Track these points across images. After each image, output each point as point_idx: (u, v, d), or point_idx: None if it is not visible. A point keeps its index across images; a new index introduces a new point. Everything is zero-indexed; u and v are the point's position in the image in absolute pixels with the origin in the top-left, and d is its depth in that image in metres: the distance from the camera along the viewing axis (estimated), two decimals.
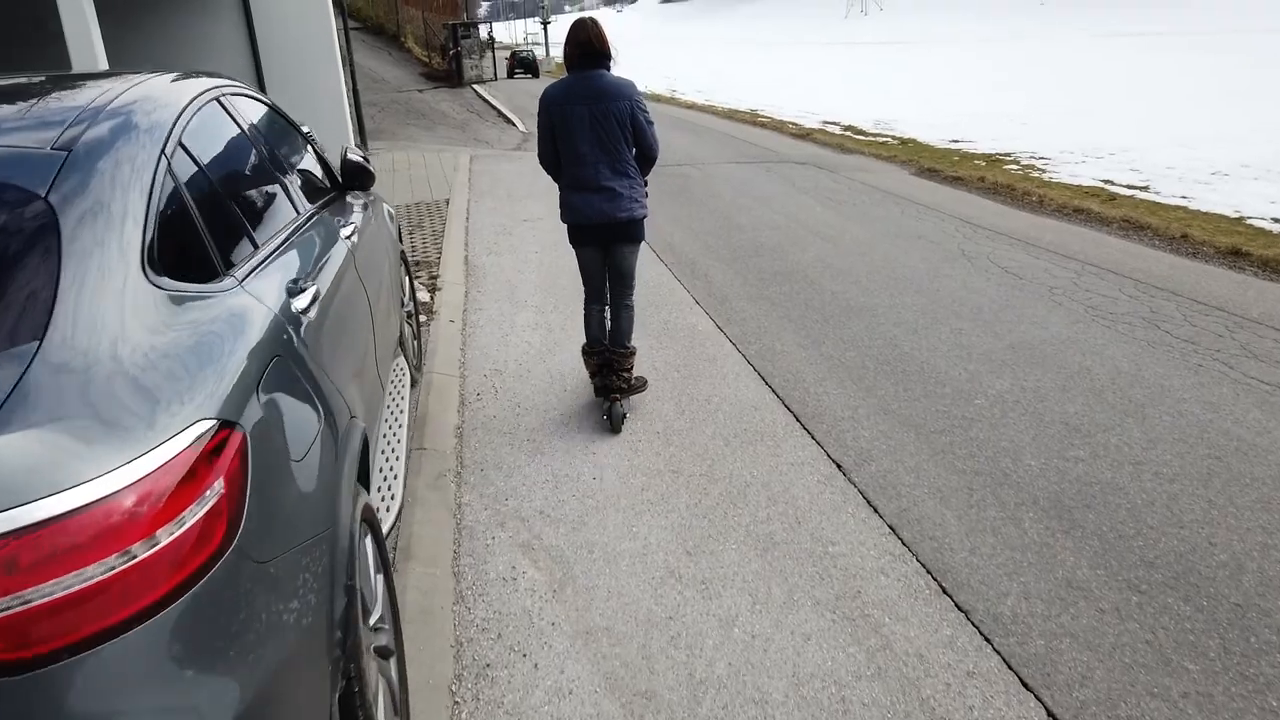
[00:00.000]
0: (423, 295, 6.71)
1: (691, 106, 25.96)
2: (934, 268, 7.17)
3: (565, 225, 4.33)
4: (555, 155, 4.19)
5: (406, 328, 4.75)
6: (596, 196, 4.10)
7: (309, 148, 3.70)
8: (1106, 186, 10.48)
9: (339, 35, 13.94)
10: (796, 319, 5.99)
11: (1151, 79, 25.12)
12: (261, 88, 12.71)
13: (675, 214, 9.76)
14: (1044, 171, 11.74)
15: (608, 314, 4.52)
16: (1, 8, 9.31)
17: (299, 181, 3.14)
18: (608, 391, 4.39)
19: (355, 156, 3.78)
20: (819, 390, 4.75)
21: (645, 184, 4.27)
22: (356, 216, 3.56)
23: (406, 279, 5.11)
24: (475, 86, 21.11)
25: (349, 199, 3.77)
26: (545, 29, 65.45)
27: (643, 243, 4.32)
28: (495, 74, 22.81)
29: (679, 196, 10.78)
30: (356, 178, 3.75)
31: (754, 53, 79.16)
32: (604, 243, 4.30)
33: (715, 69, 53.74)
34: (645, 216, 4.25)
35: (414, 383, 4.80)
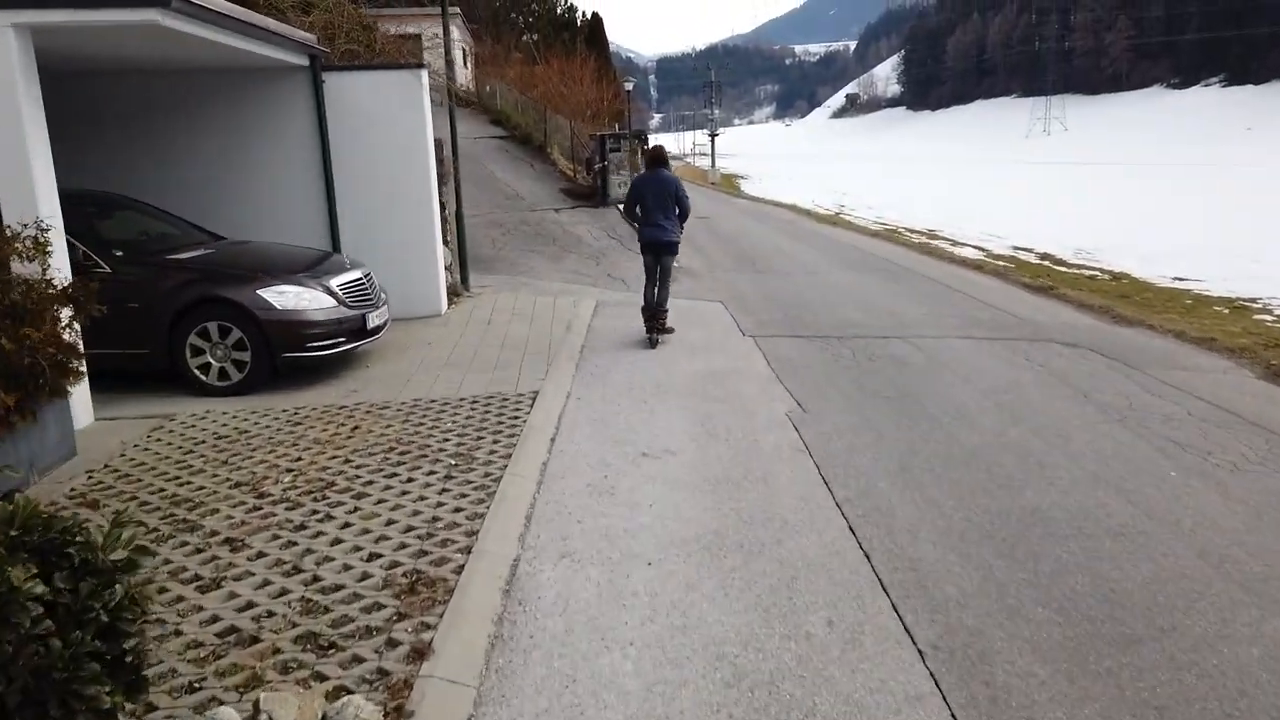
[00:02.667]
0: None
1: (873, 234, 22.01)
2: None
3: (641, 248, 9.21)
4: (635, 210, 8.99)
5: None
6: (655, 229, 8.81)
7: None
8: None
9: (444, 150, 10.92)
10: None
11: None
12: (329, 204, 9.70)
13: (898, 450, 5.64)
14: None
15: (656, 290, 8.96)
16: None
17: None
18: (651, 330, 8.94)
19: None
20: None
21: (681, 226, 8.93)
22: None
23: None
24: (621, 207, 17.97)
25: None
26: (712, 140, 64.54)
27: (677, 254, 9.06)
28: None
29: (899, 408, 6.67)
30: None
31: (926, 169, 75.39)
32: (656, 253, 8.93)
33: (886, 186, 50.60)
34: (678, 241, 8.94)
35: None
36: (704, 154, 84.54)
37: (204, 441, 5.99)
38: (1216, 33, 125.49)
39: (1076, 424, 6.24)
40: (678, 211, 8.77)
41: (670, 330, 9.02)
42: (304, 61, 9.39)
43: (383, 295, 8.33)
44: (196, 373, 7.14)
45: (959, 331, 9.51)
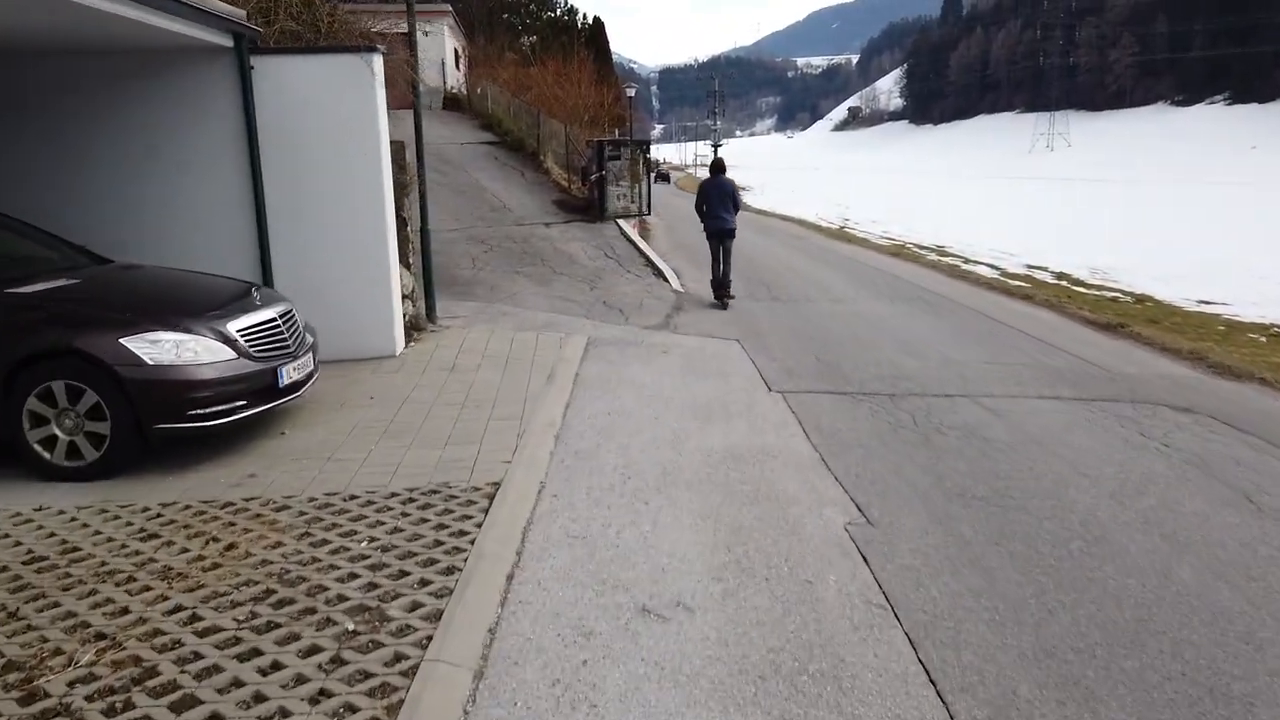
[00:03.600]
0: None
1: (891, 252, 20.16)
2: None
3: (706, 236, 11.90)
4: (702, 206, 11.72)
5: None
6: (718, 220, 11.55)
7: None
8: None
9: (407, 154, 9.09)
10: None
11: None
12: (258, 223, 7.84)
13: (1028, 611, 3.72)
14: None
15: (722, 268, 11.59)
16: None
17: None
18: (720, 298, 11.65)
19: None
20: None
21: (736, 214, 11.75)
22: None
23: None
24: (621, 222, 16.11)
25: None
26: (716, 150, 63.46)
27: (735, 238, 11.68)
28: (647, 206, 17.88)
29: (1003, 522, 4.74)
30: None
31: (928, 184, 73.85)
32: (720, 238, 11.54)
33: (890, 200, 49.05)
34: (735, 228, 11.73)
35: None
36: (705, 165, 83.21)
37: (3, 570, 4.09)
38: (1221, 50, 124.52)
39: (1265, 555, 4.35)
40: (734, 206, 11.81)
41: (733, 298, 11.92)
42: (227, 41, 7.50)
43: (308, 339, 6.44)
44: (38, 449, 5.23)
45: (1038, 389, 7.63)
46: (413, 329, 8.98)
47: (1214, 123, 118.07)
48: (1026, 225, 31.51)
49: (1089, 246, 22.55)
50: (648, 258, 14.34)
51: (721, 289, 11.69)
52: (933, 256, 19.68)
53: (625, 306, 11.32)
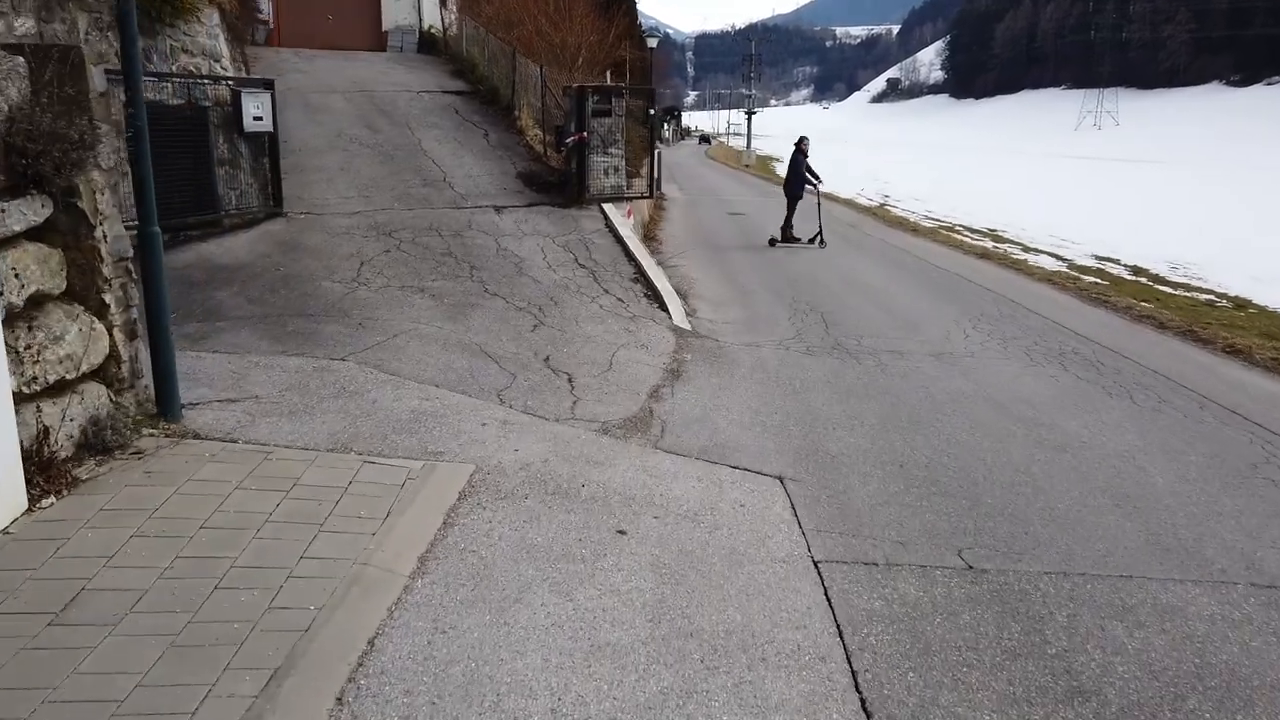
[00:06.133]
0: None
1: (979, 253, 15.07)
2: None
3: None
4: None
5: None
6: (795, 185, 14.15)
7: None
8: None
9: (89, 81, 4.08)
10: None
11: None
12: None
13: None
14: None
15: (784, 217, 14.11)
16: None
17: None
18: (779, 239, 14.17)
19: None
20: None
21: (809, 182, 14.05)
22: None
23: None
24: (609, 207, 11.15)
25: None
26: (749, 119, 59.26)
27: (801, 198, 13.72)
28: (653, 185, 12.99)
29: None
30: None
31: (970, 159, 68.19)
32: (792, 197, 14.17)
33: (931, 177, 44.26)
34: (802, 195, 14.08)
35: None
36: (738, 134, 78.75)
37: None
38: None
39: None
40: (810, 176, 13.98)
41: (797, 239, 14.20)
42: None
43: None
44: None
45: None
46: (94, 450, 4.20)
47: (1271, 104, 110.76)
48: (1078, 207, 29.29)
49: (1153, 235, 20.84)
50: (640, 268, 9.40)
51: (778, 238, 14.17)
52: (987, 244, 17.67)
53: (582, 369, 6.47)
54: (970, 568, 3.90)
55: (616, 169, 11.63)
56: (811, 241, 13.88)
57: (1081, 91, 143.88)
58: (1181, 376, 7.19)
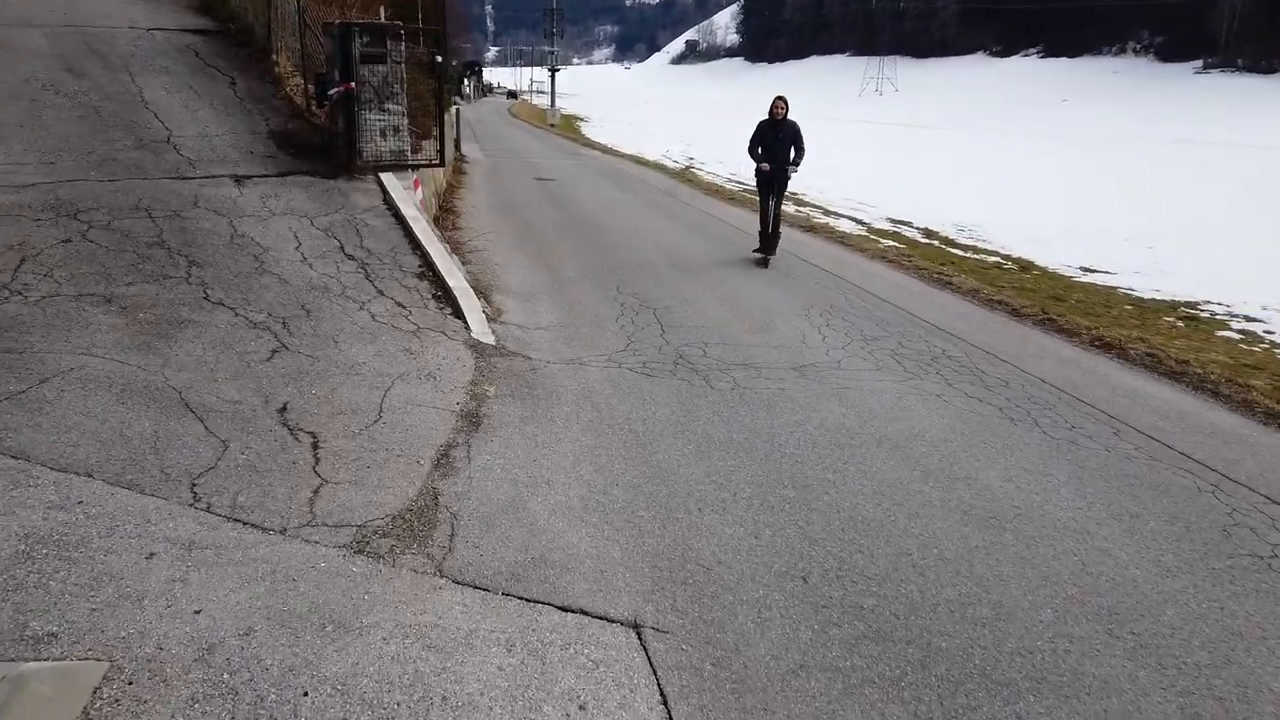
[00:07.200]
0: None
1: (738, 199, 14.06)
2: None
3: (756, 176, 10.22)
4: (756, 150, 10.10)
5: None
6: (774, 166, 9.90)
7: None
8: None
9: None
10: None
11: None
12: None
13: None
14: None
15: (771, 212, 10.07)
16: None
17: None
18: (764, 251, 10.20)
19: None
20: None
21: (796, 164, 10.02)
22: None
23: None
24: (388, 178, 8.93)
25: None
26: (553, 76, 57.02)
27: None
28: (456, 146, 10.86)
29: None
30: None
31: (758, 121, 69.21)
32: (771, 184, 9.97)
33: (731, 137, 44.21)
34: (790, 177, 10.11)
35: None
36: (542, 92, 76.67)
37: None
38: (1038, 4, 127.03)
39: None
40: (793, 151, 10.08)
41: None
42: None
43: None
44: None
45: None
46: None
47: (1029, 75, 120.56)
48: (867, 171, 29.70)
49: (938, 197, 21.47)
50: (427, 259, 7.31)
51: (766, 249, 10.43)
52: (794, 208, 16.54)
53: (336, 423, 4.48)
54: None
55: (397, 130, 9.39)
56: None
57: (864, 59, 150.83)
58: (1074, 387, 6.14)
